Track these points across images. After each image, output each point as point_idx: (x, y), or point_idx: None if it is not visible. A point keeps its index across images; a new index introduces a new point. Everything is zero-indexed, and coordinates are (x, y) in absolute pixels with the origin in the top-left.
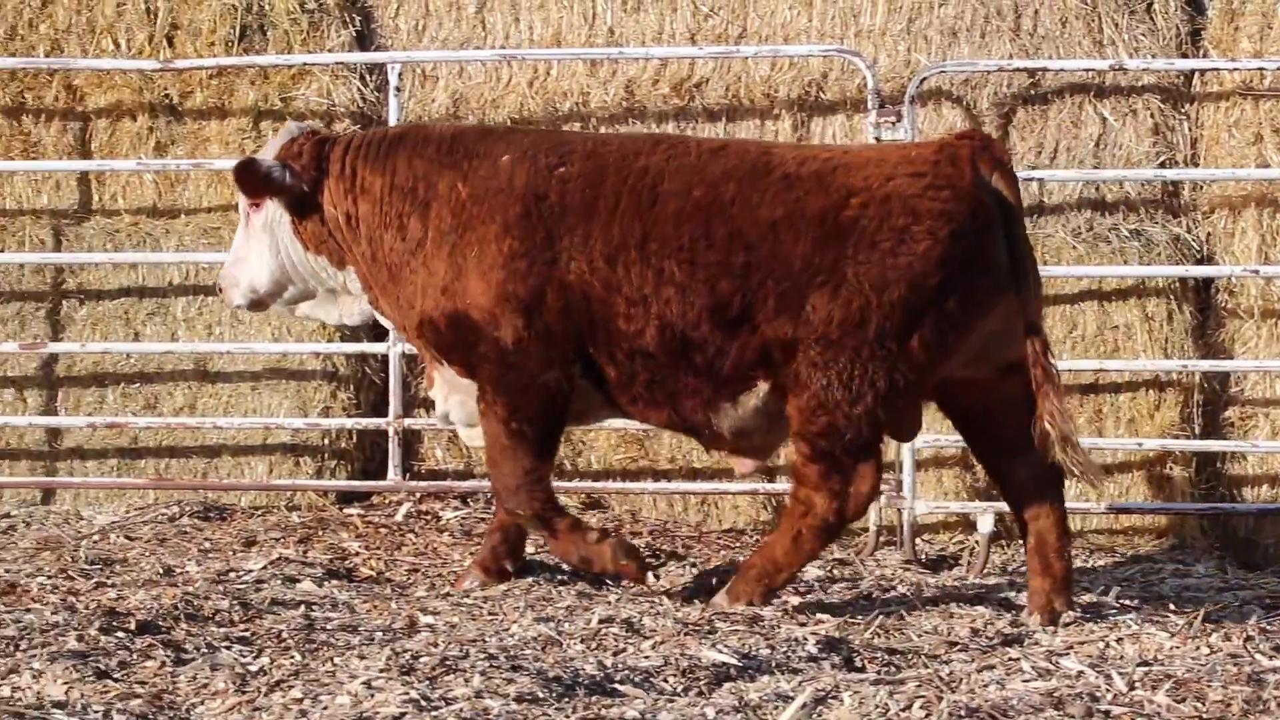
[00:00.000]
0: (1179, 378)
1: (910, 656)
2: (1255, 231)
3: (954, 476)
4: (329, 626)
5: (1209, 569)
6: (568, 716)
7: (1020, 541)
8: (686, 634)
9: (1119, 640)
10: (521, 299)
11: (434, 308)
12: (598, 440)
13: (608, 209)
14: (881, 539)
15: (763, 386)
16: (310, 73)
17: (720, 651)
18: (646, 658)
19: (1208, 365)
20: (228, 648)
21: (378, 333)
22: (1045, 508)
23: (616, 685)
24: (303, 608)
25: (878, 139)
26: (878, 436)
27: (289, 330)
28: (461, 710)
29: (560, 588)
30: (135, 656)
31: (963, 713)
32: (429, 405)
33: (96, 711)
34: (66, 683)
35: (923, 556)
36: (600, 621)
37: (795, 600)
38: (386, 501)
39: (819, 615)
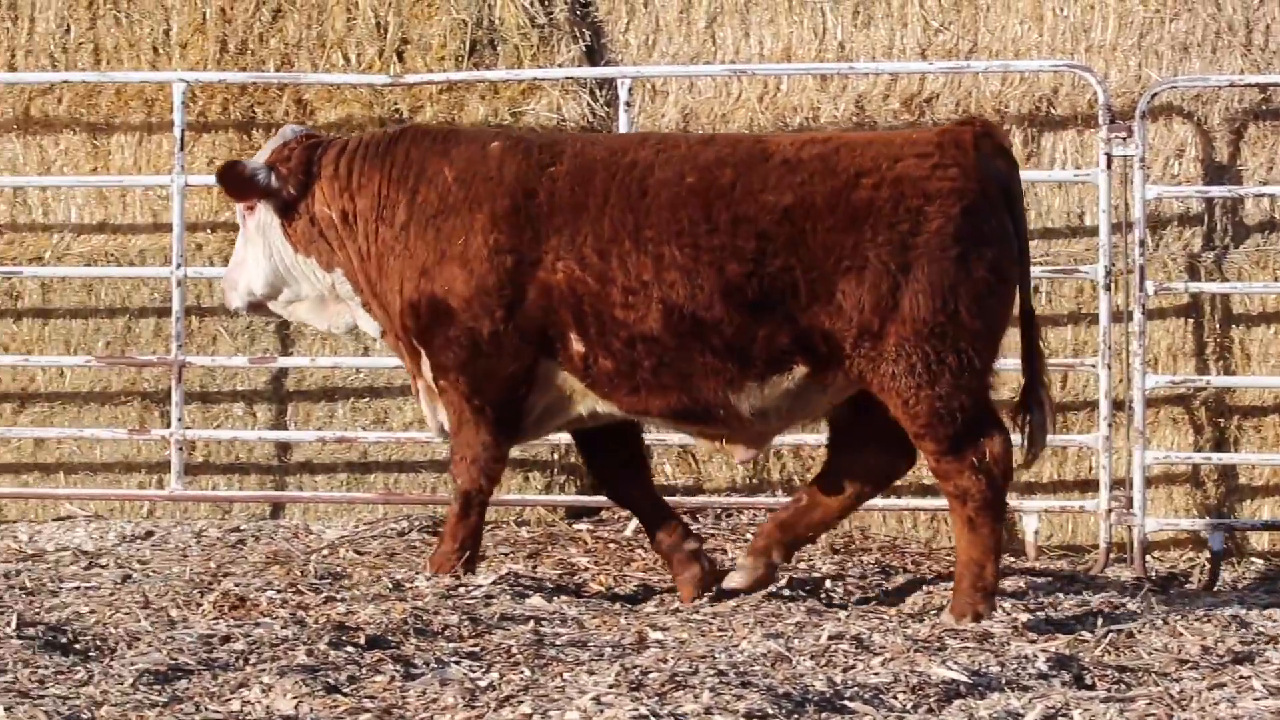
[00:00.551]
0: None
1: (1140, 674)
2: None
3: (1184, 494)
4: (558, 642)
5: None
6: None
7: (1247, 559)
8: (916, 650)
9: None
10: (504, 294)
11: (414, 290)
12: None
13: (597, 205)
14: (1112, 556)
15: (800, 370)
16: (540, 87)
17: (950, 668)
18: (876, 674)
19: None
20: (457, 663)
21: None
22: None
23: (846, 702)
24: (532, 623)
25: (1109, 155)
26: (981, 398)
27: None
28: None
29: (790, 604)
30: (364, 671)
31: None
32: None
33: None
34: (296, 697)
35: (1153, 574)
36: (830, 638)
37: (1024, 616)
38: (615, 516)
39: (1049, 632)
